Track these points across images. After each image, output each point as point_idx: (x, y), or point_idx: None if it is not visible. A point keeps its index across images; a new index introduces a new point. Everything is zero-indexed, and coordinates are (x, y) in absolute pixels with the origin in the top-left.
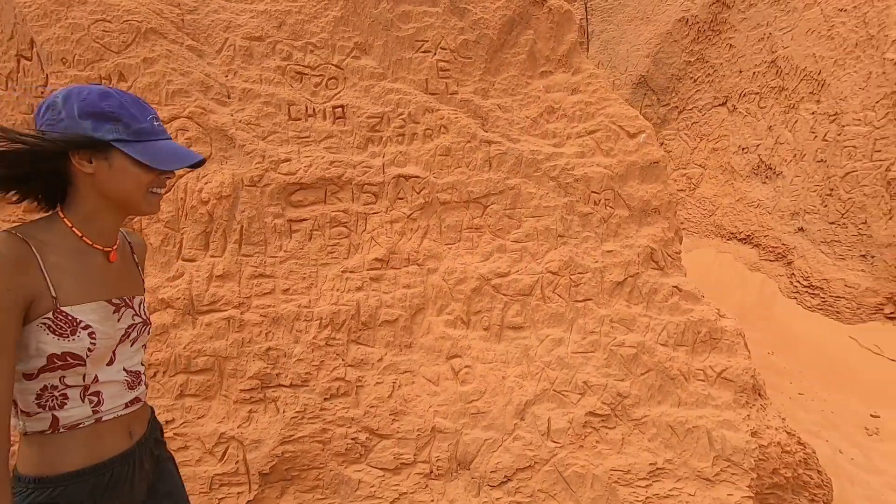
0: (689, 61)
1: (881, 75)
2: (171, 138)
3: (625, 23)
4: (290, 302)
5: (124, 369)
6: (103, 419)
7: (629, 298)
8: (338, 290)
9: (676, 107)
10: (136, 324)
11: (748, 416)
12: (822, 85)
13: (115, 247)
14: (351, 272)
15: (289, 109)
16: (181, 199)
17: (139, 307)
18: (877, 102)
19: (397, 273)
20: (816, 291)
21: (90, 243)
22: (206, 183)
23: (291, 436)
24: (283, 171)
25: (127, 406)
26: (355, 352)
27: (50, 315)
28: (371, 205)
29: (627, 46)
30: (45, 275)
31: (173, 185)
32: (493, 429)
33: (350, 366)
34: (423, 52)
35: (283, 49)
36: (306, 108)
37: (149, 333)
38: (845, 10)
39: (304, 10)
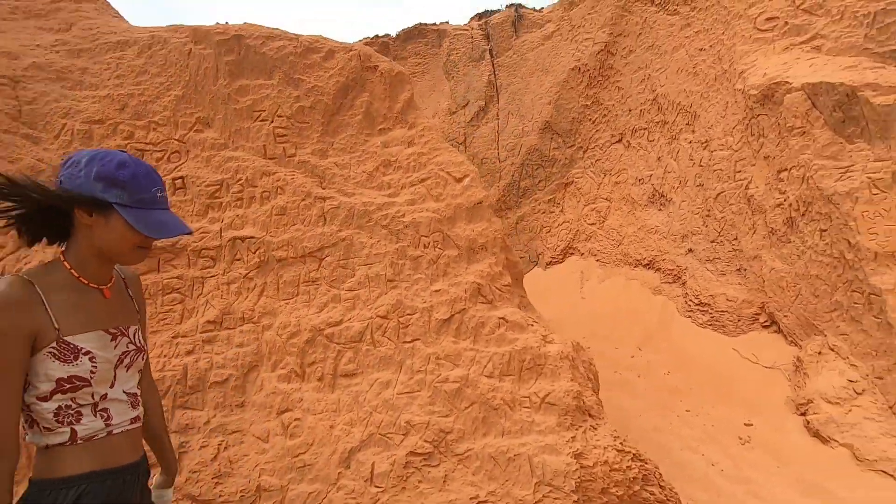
0: (587, 105)
1: (734, 104)
2: (168, 209)
3: (528, 75)
4: None
5: (123, 391)
6: (114, 432)
7: (456, 334)
8: (165, 356)
9: (581, 147)
10: (130, 350)
11: (573, 437)
12: (695, 116)
13: (109, 284)
14: (182, 337)
15: None
16: None
17: (134, 335)
18: (733, 128)
19: (230, 333)
20: (705, 308)
21: (86, 283)
22: (25, 263)
23: None
24: None
25: (132, 422)
26: (180, 417)
27: (55, 344)
28: (209, 269)
29: (532, 96)
30: (49, 311)
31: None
32: (319, 481)
33: (173, 432)
34: (261, 120)
35: (124, 129)
36: None
37: (143, 359)
38: (704, 49)
39: (147, 92)
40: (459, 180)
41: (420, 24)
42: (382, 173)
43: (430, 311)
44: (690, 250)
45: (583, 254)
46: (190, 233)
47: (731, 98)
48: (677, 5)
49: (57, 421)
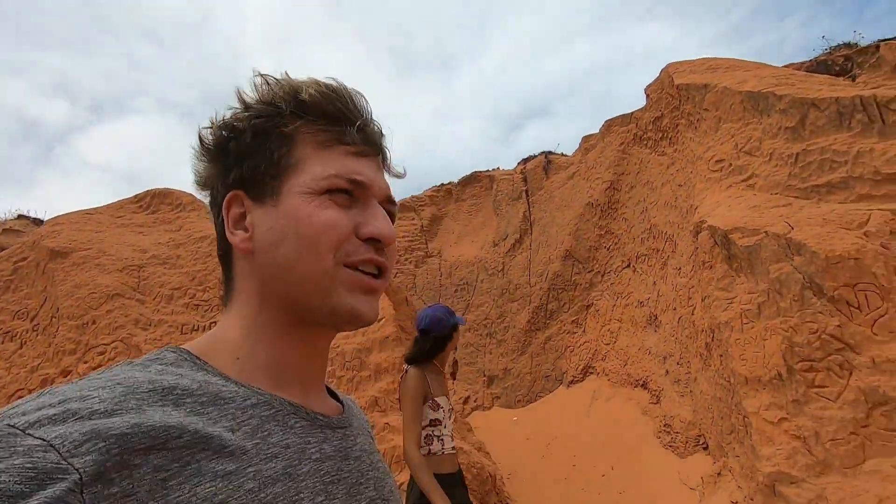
0: (601, 234)
1: (691, 235)
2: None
3: (554, 210)
4: None
5: (450, 431)
6: (446, 453)
7: None
8: None
9: (599, 272)
10: (452, 408)
11: None
12: (676, 245)
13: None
14: None
15: (181, 328)
16: None
17: (451, 401)
18: (689, 257)
19: None
20: (669, 430)
21: (442, 371)
22: None
23: None
24: None
25: (453, 448)
26: None
27: (431, 400)
28: None
29: (556, 227)
30: (429, 386)
31: None
32: None
33: None
34: None
35: (191, 293)
36: (194, 326)
37: (453, 415)
38: (682, 185)
39: (208, 268)
40: (378, 320)
41: (475, 171)
42: None
43: None
44: (667, 371)
45: (598, 373)
46: (463, 322)
47: (692, 230)
48: (664, 147)
49: (425, 443)
